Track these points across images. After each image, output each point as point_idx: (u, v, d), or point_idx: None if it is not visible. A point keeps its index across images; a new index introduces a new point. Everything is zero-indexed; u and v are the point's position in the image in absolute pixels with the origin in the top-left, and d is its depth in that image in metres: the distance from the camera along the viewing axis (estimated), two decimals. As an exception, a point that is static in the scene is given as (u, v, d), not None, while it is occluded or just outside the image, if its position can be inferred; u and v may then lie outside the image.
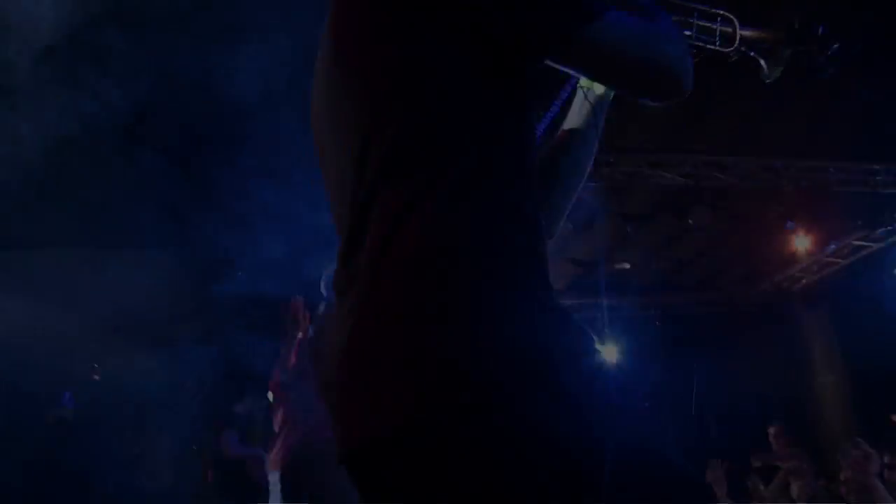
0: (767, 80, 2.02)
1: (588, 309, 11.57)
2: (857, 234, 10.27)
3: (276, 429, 5.85)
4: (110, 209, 6.10)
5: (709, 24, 1.96)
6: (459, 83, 1.50)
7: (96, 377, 8.64)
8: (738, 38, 1.95)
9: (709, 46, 1.96)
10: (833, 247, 10.53)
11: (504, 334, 1.34)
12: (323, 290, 5.48)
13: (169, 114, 5.53)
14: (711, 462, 7.64)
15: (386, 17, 1.53)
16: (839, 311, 12.00)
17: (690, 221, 9.64)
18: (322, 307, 5.48)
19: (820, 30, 1.95)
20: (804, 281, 11.90)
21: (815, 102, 7.05)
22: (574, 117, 2.00)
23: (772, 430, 8.95)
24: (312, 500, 4.84)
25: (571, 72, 1.64)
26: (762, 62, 2.00)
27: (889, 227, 9.17)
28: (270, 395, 6.02)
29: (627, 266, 11.23)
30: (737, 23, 1.97)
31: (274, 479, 5.75)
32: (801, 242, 9.58)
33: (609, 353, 11.46)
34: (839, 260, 11.01)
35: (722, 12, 1.96)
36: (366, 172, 1.50)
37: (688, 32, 1.92)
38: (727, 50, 1.97)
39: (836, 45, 1.97)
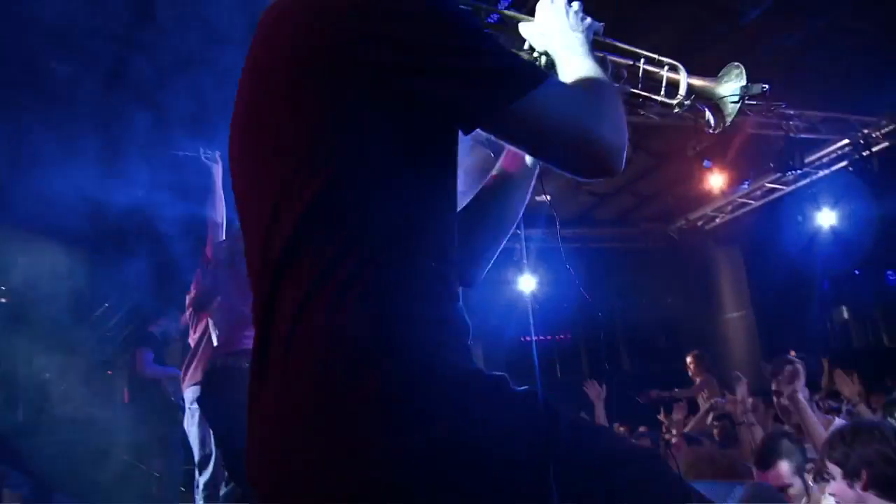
0: (712, 131, 2.01)
1: (507, 240, 11.85)
2: (769, 176, 10.73)
3: (192, 344, 5.93)
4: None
5: (656, 70, 1.95)
6: (379, 151, 1.47)
7: (3, 300, 8.49)
8: (684, 86, 1.93)
9: (653, 97, 1.95)
10: (746, 187, 10.98)
11: (421, 426, 1.34)
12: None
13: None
14: (589, 383, 8.02)
15: (303, 78, 1.48)
16: (749, 251, 12.61)
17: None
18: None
19: (767, 90, 1.93)
20: (718, 220, 12.39)
21: (735, 46, 7.30)
22: (510, 159, 1.98)
23: (689, 358, 9.61)
24: (229, 418, 4.95)
25: (501, 141, 1.62)
26: (709, 114, 1.99)
27: (799, 172, 9.62)
28: (187, 313, 6.08)
29: (547, 198, 11.47)
30: (684, 71, 1.95)
31: (189, 396, 5.85)
32: (716, 182, 9.98)
33: (527, 283, 11.81)
34: (752, 201, 11.50)
35: (669, 60, 1.96)
36: (273, 247, 1.48)
37: (627, 86, 1.92)
38: (673, 101, 1.95)
39: (783, 104, 1.96)
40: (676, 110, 1.97)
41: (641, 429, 9.67)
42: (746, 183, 10.81)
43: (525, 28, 1.89)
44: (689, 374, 9.71)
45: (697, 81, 1.96)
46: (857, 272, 12.84)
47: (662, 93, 1.94)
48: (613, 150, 1.52)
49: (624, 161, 1.55)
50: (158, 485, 7.46)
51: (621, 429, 9.35)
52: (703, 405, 8.21)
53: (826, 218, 10.66)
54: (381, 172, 1.47)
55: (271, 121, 1.53)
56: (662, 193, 11.91)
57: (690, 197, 11.52)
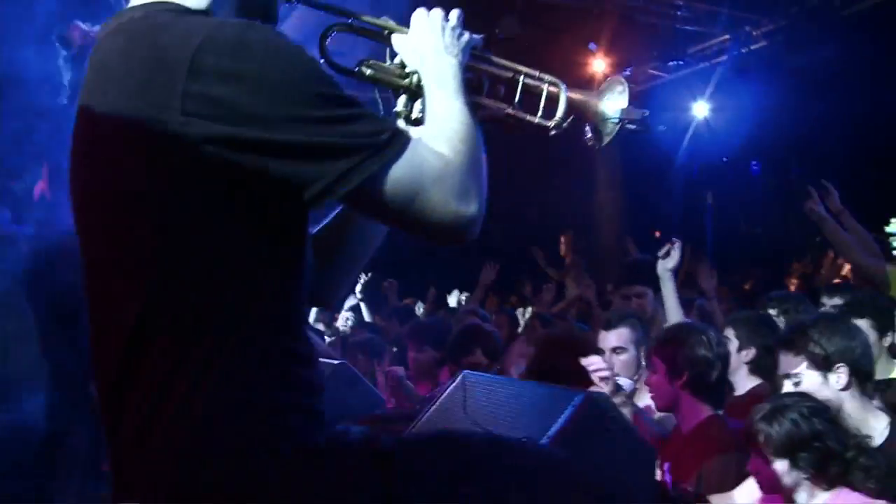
0: (590, 145, 1.98)
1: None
2: (651, 63, 11.01)
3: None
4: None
5: (536, 85, 1.92)
6: (217, 232, 1.41)
7: None
8: (563, 107, 1.90)
9: (531, 119, 1.92)
10: (629, 73, 11.23)
11: None
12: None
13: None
14: (487, 268, 8.31)
15: (129, 152, 1.40)
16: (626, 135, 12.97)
17: (498, 31, 9.84)
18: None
19: (646, 115, 1.93)
20: (598, 100, 12.64)
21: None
22: None
23: (562, 238, 10.01)
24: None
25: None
26: (589, 131, 1.97)
27: (679, 62, 9.91)
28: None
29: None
30: (564, 89, 1.92)
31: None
32: (599, 66, 10.18)
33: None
34: (632, 85, 11.77)
35: (550, 77, 1.94)
36: (118, 338, 1.43)
37: (507, 109, 1.91)
38: (550, 123, 1.91)
39: (662, 128, 1.94)
40: (553, 132, 1.92)
41: (512, 299, 10.22)
42: (629, 70, 11.05)
43: (398, 41, 1.81)
44: (561, 253, 10.13)
45: (577, 96, 1.94)
46: (724, 159, 13.44)
47: (540, 112, 1.92)
48: (466, 223, 1.50)
49: (479, 228, 1.54)
50: (14, 343, 7.35)
51: (495, 300, 9.84)
52: (571, 288, 8.60)
53: (701, 109, 11.13)
54: (221, 255, 1.41)
55: (103, 192, 1.47)
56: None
57: (573, 78, 11.67)
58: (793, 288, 8.57)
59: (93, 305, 1.52)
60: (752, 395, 3.88)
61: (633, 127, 1.93)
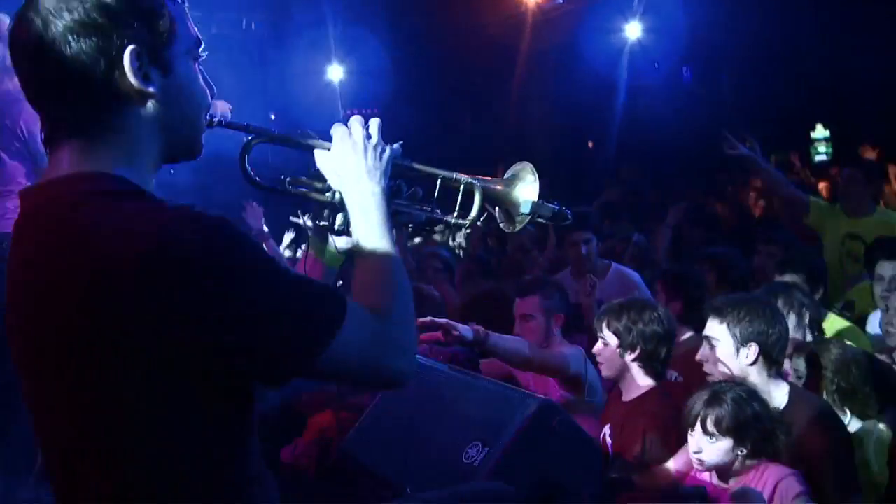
0: (501, 226, 2.06)
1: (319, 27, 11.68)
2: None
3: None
4: None
5: (452, 184, 1.99)
6: (172, 425, 1.41)
7: None
8: (478, 206, 1.99)
9: (448, 220, 2.02)
10: (560, 2, 11.19)
11: None
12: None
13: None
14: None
15: (81, 356, 1.37)
16: (559, 52, 12.93)
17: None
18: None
19: (556, 209, 2.02)
20: (532, 19, 12.54)
21: None
22: None
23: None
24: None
25: None
26: (501, 216, 2.06)
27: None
28: None
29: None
30: (479, 189, 2.00)
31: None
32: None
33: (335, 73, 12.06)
34: (565, 4, 11.74)
35: (466, 178, 2.00)
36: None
37: (425, 209, 1.98)
38: (466, 221, 2.02)
39: (569, 217, 2.05)
40: (469, 230, 1.98)
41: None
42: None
43: (321, 159, 1.84)
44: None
45: (491, 187, 2.03)
46: (656, 65, 13.50)
47: (457, 210, 2.01)
48: (403, 376, 1.61)
49: (412, 375, 1.63)
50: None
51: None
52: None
53: (633, 29, 11.33)
54: (178, 445, 1.43)
55: (47, 383, 1.46)
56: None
57: (503, 9, 11.65)
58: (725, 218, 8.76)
59: (53, 475, 1.53)
60: (684, 345, 4.11)
61: (542, 220, 2.05)
